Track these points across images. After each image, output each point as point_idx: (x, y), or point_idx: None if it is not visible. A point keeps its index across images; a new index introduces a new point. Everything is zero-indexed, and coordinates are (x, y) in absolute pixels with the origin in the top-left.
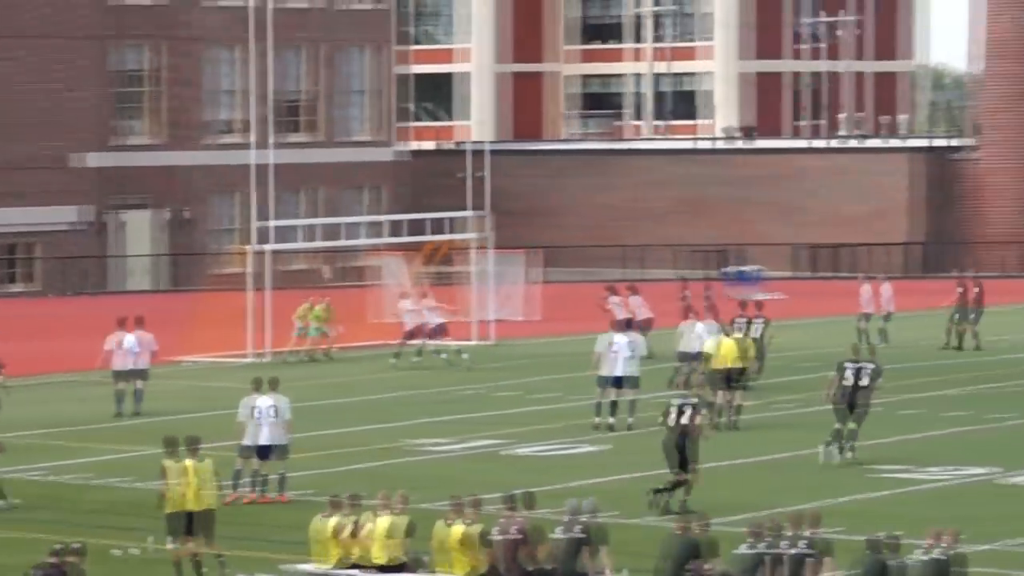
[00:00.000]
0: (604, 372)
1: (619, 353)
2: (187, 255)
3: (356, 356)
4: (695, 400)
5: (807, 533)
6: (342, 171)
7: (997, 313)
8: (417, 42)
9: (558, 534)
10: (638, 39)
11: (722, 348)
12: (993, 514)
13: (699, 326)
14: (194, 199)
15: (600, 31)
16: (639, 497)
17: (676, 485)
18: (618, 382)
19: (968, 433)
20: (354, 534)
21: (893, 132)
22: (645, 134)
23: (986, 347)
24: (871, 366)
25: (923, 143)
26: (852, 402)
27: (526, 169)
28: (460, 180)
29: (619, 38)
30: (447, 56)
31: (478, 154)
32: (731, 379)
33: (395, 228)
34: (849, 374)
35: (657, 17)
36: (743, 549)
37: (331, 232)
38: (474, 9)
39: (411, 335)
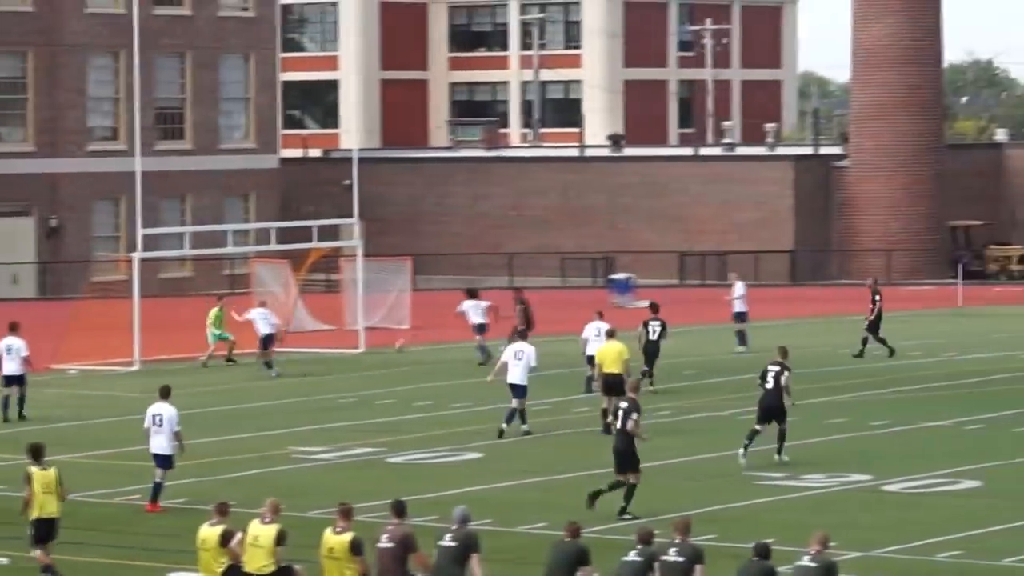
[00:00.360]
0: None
1: (510, 361)
2: (66, 263)
3: (242, 363)
4: (626, 404)
5: (677, 540)
6: (224, 178)
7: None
8: (300, 50)
9: (447, 542)
10: (522, 47)
11: (601, 354)
12: (871, 521)
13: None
14: (74, 206)
15: (479, 39)
16: (516, 505)
17: (615, 486)
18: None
19: (848, 440)
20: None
21: (765, 140)
22: (524, 141)
23: (864, 354)
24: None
25: (807, 151)
26: (770, 404)
27: (405, 177)
28: (343, 188)
29: (500, 46)
30: (329, 64)
31: (364, 161)
32: (612, 384)
33: (279, 235)
34: (770, 376)
35: (536, 25)
36: (631, 556)
37: (214, 239)
38: (352, 17)
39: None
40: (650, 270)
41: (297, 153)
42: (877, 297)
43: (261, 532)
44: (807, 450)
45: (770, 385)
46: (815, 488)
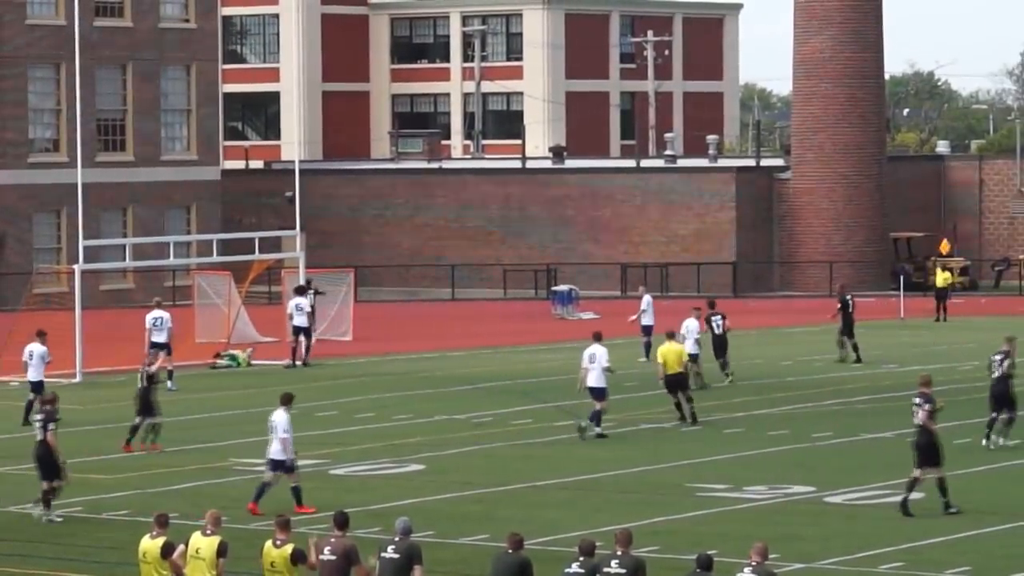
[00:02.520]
0: None
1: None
2: (7, 275)
3: (181, 376)
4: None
5: (619, 552)
6: (165, 190)
7: (812, 333)
8: (241, 61)
9: (389, 553)
10: (464, 59)
11: (664, 354)
12: (814, 533)
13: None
14: (15, 218)
15: (421, 51)
16: (458, 517)
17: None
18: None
19: (790, 452)
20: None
21: (707, 152)
22: (466, 153)
23: (806, 366)
24: None
25: (749, 163)
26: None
27: (347, 188)
28: (285, 199)
29: (442, 58)
30: (270, 75)
31: (306, 173)
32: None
33: (221, 247)
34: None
35: (477, 37)
36: (574, 567)
37: (156, 251)
38: (294, 28)
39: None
40: (592, 281)
41: (239, 165)
42: (849, 300)
43: (202, 544)
44: (749, 462)
45: (997, 374)
46: (757, 500)
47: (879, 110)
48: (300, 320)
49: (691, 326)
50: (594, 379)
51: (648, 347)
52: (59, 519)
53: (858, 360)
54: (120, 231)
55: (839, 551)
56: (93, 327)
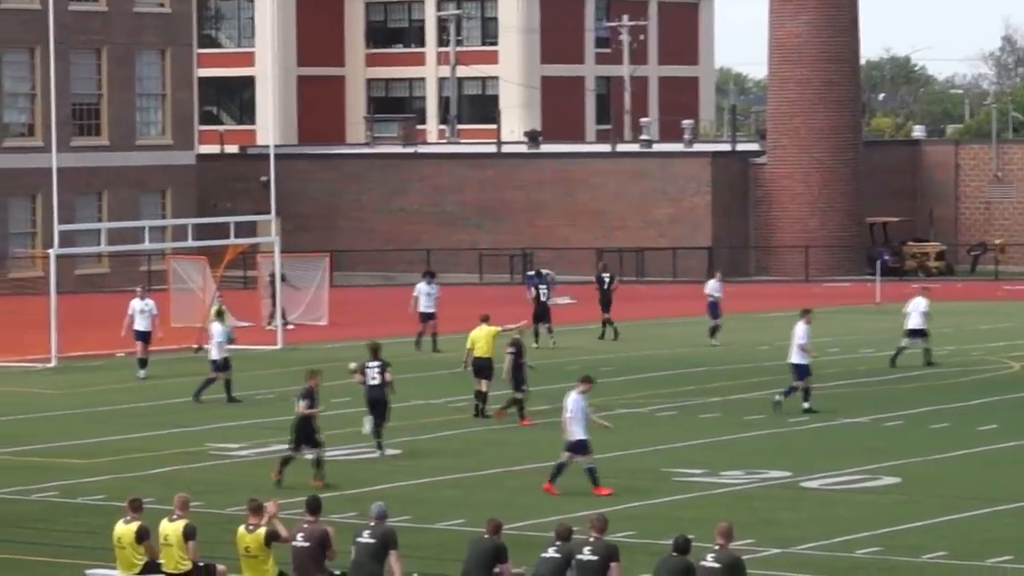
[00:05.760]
0: None
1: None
2: None
3: (156, 360)
4: None
5: (592, 538)
6: (140, 174)
7: (789, 317)
8: (216, 46)
9: (365, 538)
10: (439, 43)
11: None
12: (791, 518)
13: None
14: None
15: (396, 35)
16: (434, 502)
17: None
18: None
19: (767, 436)
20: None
21: (683, 137)
22: (441, 138)
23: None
24: None
25: (725, 147)
26: None
27: (323, 173)
28: (260, 184)
29: (417, 42)
30: (245, 60)
31: (281, 158)
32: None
33: (197, 231)
34: None
35: (453, 21)
36: (550, 552)
37: (131, 236)
38: (269, 12)
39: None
40: (567, 266)
41: (214, 149)
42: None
43: (170, 530)
44: (726, 447)
45: None
46: (734, 484)
47: (855, 94)
48: (427, 306)
49: (919, 305)
50: (793, 356)
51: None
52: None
53: (615, 337)
54: (95, 216)
55: (816, 536)
56: (68, 312)
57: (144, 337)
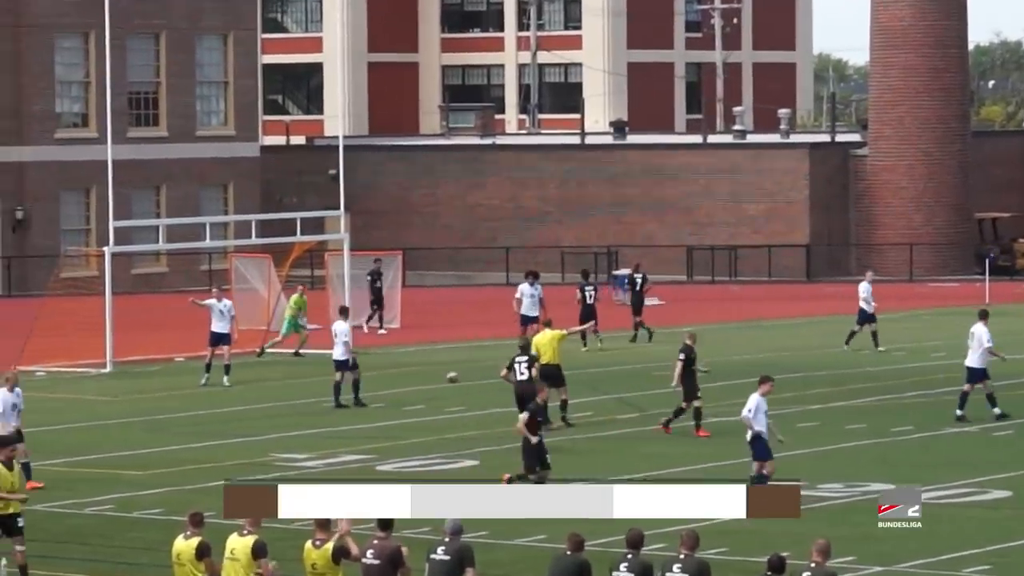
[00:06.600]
0: None
1: None
2: (33, 257)
3: (216, 365)
4: None
5: (683, 555)
6: (201, 167)
7: (892, 319)
8: (282, 31)
9: (439, 555)
10: (519, 28)
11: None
12: (893, 534)
13: None
14: (41, 197)
15: (473, 19)
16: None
17: None
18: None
19: (868, 447)
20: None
21: (779, 127)
22: (521, 128)
23: (885, 356)
24: None
25: (824, 138)
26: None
27: (395, 166)
28: (328, 178)
29: (495, 27)
30: (313, 45)
31: (350, 149)
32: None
33: (260, 228)
34: None
35: (533, 4)
36: (622, 569)
37: (190, 233)
38: None
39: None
40: (656, 265)
41: (279, 141)
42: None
43: (238, 545)
44: (824, 458)
45: None
46: (833, 498)
47: (963, 82)
48: (529, 308)
49: None
50: (971, 360)
51: (875, 335)
52: None
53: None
54: (153, 211)
55: (921, 553)
56: (124, 313)
57: (225, 340)
